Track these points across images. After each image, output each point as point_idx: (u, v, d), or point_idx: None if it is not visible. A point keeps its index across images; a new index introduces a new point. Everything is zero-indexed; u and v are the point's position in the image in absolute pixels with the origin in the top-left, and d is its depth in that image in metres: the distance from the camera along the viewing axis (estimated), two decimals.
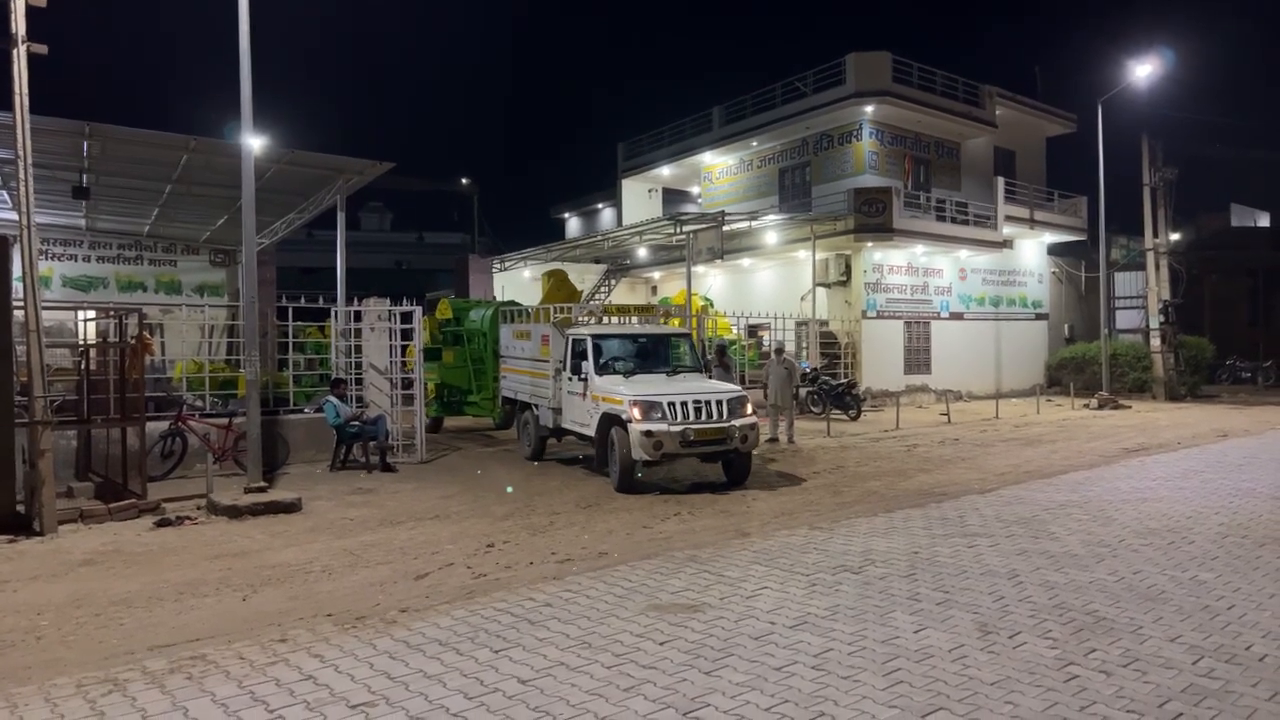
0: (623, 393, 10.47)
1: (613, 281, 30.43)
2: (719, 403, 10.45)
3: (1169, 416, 20.21)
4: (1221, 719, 4.04)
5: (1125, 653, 4.90)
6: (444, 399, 17.39)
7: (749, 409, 10.79)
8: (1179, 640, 5.10)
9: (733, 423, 10.37)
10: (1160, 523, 8.43)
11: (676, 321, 13.98)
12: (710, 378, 12.11)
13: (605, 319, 13.29)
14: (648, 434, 10.02)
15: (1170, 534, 7.93)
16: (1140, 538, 7.79)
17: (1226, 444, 14.82)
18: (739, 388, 11.50)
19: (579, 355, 11.49)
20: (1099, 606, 5.75)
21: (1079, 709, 4.16)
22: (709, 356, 15.10)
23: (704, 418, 10.31)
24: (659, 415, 10.16)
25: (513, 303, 17.85)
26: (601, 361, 11.38)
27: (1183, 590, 6.12)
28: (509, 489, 9.58)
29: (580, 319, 12.64)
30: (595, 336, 11.60)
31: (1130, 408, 22.44)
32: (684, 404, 10.29)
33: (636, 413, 10.18)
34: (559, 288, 20.10)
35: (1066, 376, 26.56)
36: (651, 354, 11.91)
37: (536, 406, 13.11)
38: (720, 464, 11.13)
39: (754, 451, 11.15)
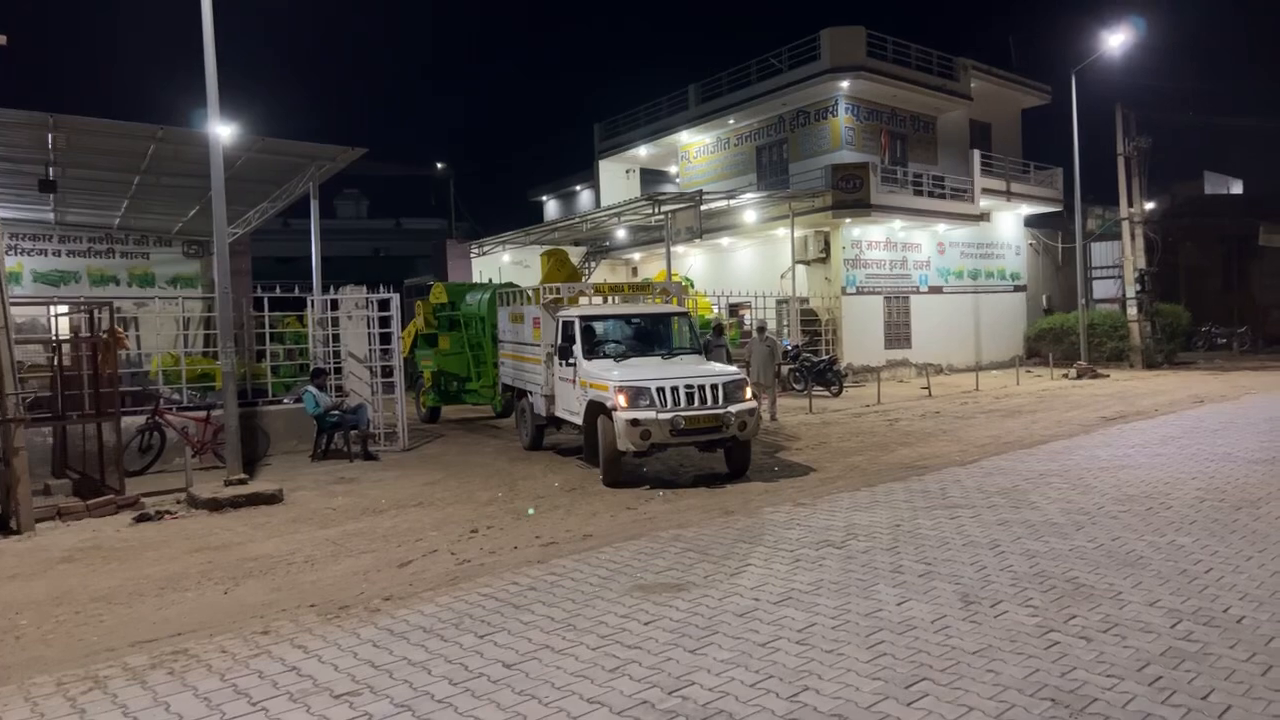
0: (608, 378, 9.82)
1: (592, 264, 30.32)
2: (713, 387, 9.66)
3: (1146, 384, 20.42)
4: (1200, 681, 4.09)
5: (1105, 618, 4.95)
6: (441, 387, 16.55)
7: (747, 393, 10.01)
8: (1158, 604, 5.16)
9: (729, 409, 9.56)
10: (1139, 489, 8.52)
11: (675, 300, 12.65)
12: (710, 359, 11.35)
13: (601, 298, 12.51)
14: (634, 423, 9.29)
15: (1148, 500, 8.02)
16: (1119, 504, 7.88)
17: (1203, 410, 14.99)
18: (736, 370, 10.64)
19: (569, 338, 10.80)
20: (1079, 574, 5.82)
21: (1060, 675, 4.20)
22: (707, 337, 14.83)
23: (696, 404, 9.52)
24: (646, 402, 9.42)
25: (511, 284, 17.15)
26: (592, 344, 10.71)
27: (1161, 555, 6.20)
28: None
29: (569, 299, 11.95)
30: (584, 318, 10.95)
31: (1108, 376, 22.66)
32: (674, 389, 9.52)
33: (622, 399, 9.46)
34: (559, 267, 18.42)
35: (1045, 347, 26.76)
36: (646, 336, 11.21)
37: (531, 394, 12.50)
38: (722, 453, 10.30)
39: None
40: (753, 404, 9.96)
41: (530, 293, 12.88)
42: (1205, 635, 4.65)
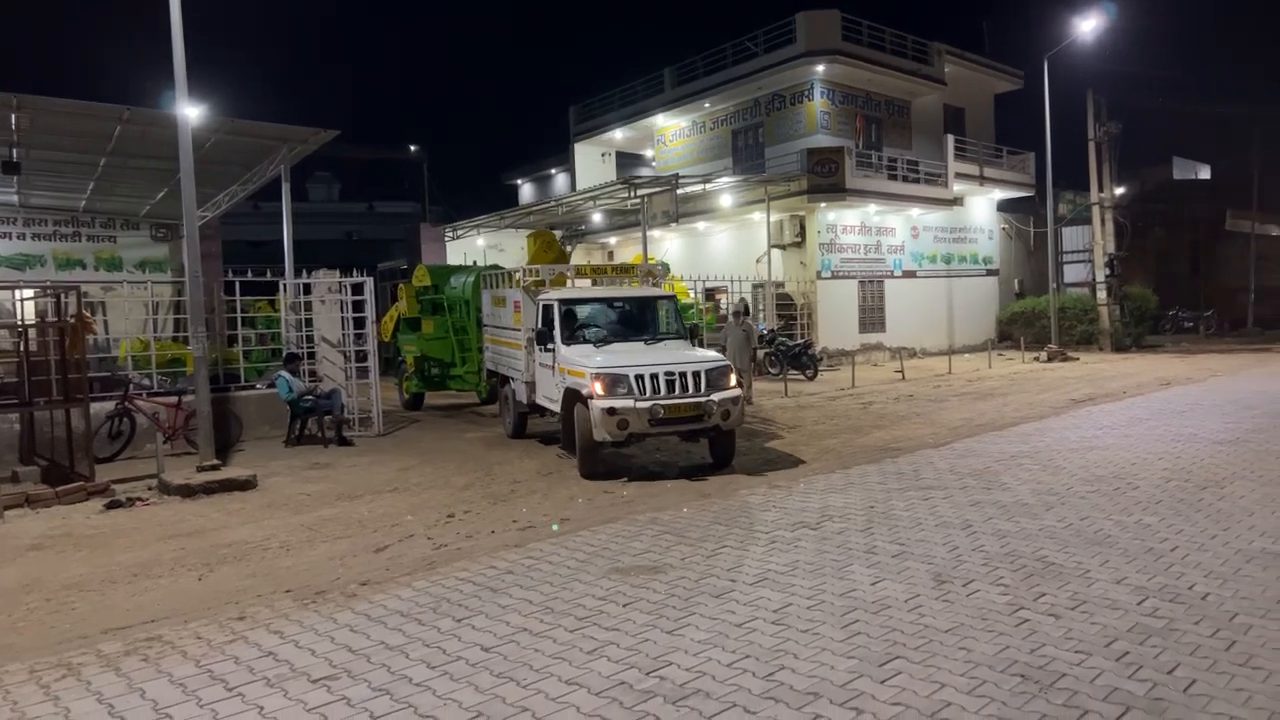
0: (585, 364, 9.37)
1: (568, 248, 30.19)
2: (695, 374, 9.19)
3: (1115, 367, 20.73)
4: (1166, 656, 4.18)
5: (1073, 596, 5.04)
6: (425, 373, 15.95)
7: (731, 380, 9.51)
8: (1125, 582, 5.26)
9: (710, 397, 9.10)
10: (1107, 470, 8.66)
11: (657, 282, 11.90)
12: (698, 345, 10.55)
13: (586, 281, 11.88)
14: (610, 411, 8.85)
15: (1116, 480, 8.16)
16: (1088, 485, 8.01)
17: (1170, 392, 15.25)
18: (720, 357, 10.12)
19: (549, 323, 10.36)
20: (1048, 553, 5.91)
21: (1029, 651, 4.28)
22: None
23: (677, 392, 9.08)
24: (624, 390, 8.98)
25: (496, 267, 16.30)
26: (573, 329, 10.33)
27: (1128, 534, 6.31)
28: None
29: (550, 281, 11.33)
30: (564, 301, 10.48)
31: (1078, 359, 22.97)
32: (654, 376, 9.07)
33: (598, 387, 9.02)
34: (546, 249, 17.48)
35: (1017, 331, 27.07)
36: (629, 320, 10.77)
37: (513, 380, 12.12)
38: (706, 443, 9.83)
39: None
40: (736, 392, 9.50)
41: (515, 275, 12.33)
42: (1171, 611, 4.75)
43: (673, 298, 11.40)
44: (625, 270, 12.15)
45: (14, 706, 4.07)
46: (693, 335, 10.87)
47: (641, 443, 10.02)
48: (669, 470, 9.83)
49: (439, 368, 15.94)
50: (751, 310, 16.18)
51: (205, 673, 4.39)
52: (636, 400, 8.97)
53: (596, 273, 12.06)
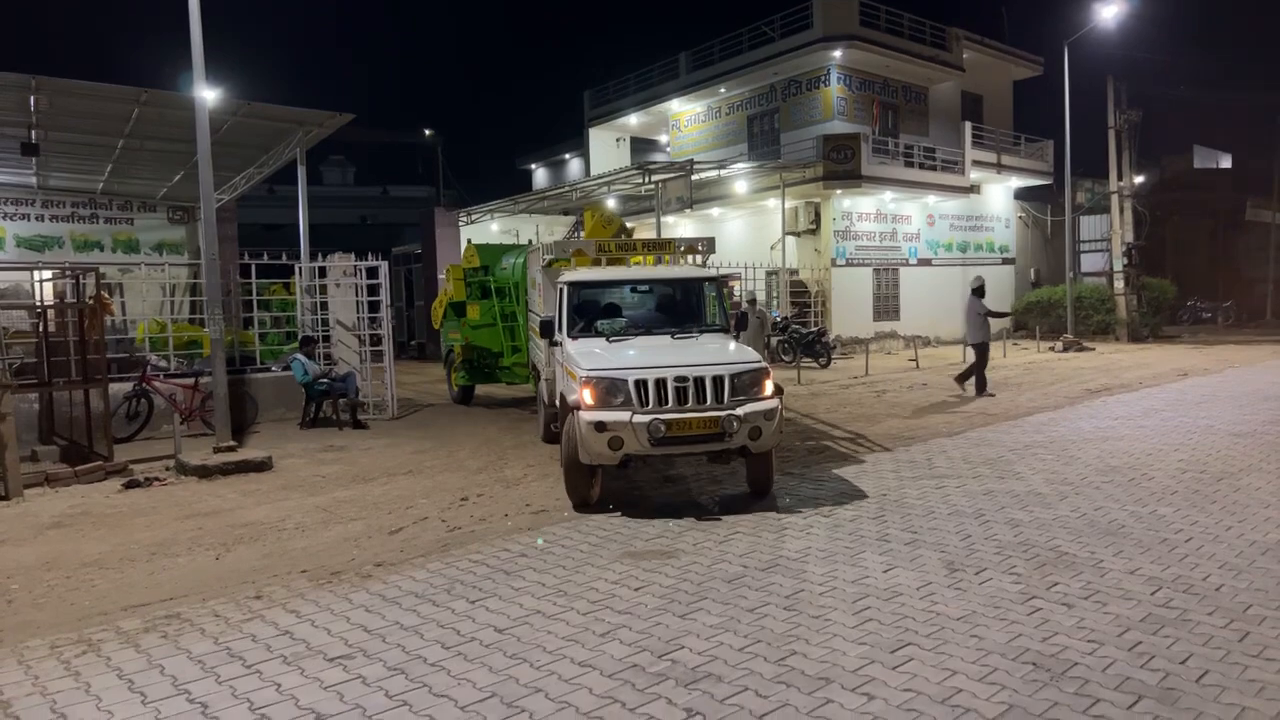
0: (579, 365, 7.33)
1: (581, 234, 30.15)
2: (716, 380, 7.03)
3: (1131, 357, 20.58)
4: (1179, 646, 4.18)
5: (1086, 585, 5.04)
6: (473, 363, 14.37)
7: (767, 388, 7.29)
8: (1138, 572, 5.24)
9: (734, 410, 6.92)
10: (1122, 460, 8.62)
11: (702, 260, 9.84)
12: (737, 339, 8.56)
13: (605, 258, 9.42)
14: (599, 426, 6.82)
15: (1131, 471, 8.12)
16: (1102, 475, 7.97)
17: (1186, 383, 15.14)
18: (757, 357, 7.75)
19: (559, 311, 8.50)
20: (1062, 542, 5.90)
21: (1041, 640, 4.28)
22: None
23: (691, 402, 6.96)
24: (620, 399, 6.95)
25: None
26: (590, 319, 8.40)
27: (1142, 525, 6.29)
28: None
29: (573, 257, 9.29)
30: (576, 285, 8.59)
31: (1094, 349, 22.82)
32: (660, 382, 6.95)
33: (587, 395, 7.01)
34: (607, 224, 14.77)
35: (1033, 320, 26.90)
36: (661, 308, 8.98)
37: (541, 374, 10.27)
38: (744, 464, 7.60)
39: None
40: (772, 403, 7.23)
41: (536, 252, 10.59)
42: (1184, 602, 4.74)
43: (715, 279, 9.31)
44: (661, 246, 9.92)
45: (35, 681, 4.14)
46: (738, 327, 9.04)
47: (644, 465, 8.18)
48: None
49: (488, 358, 14.35)
50: (756, 302, 15.90)
51: (223, 650, 4.45)
52: (635, 413, 6.90)
53: (624, 250, 9.77)
